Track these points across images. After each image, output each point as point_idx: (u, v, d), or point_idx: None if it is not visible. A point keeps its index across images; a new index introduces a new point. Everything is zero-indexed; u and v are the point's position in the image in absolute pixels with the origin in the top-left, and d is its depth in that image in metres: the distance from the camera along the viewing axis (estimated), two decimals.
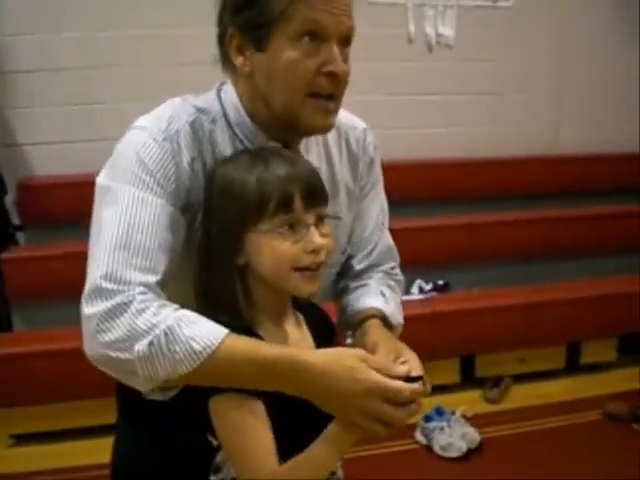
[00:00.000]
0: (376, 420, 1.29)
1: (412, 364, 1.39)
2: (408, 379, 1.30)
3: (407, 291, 4.28)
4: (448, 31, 5.18)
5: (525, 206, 5.08)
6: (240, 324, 1.35)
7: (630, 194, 5.36)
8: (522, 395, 4.11)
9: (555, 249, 4.91)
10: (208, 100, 1.53)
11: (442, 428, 3.55)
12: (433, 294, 4.35)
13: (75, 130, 4.51)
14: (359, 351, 1.34)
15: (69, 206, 3.81)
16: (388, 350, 1.45)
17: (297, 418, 1.33)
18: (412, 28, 5.10)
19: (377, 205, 1.79)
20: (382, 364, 1.32)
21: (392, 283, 1.78)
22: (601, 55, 5.53)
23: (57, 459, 3.46)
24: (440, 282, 4.52)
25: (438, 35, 5.18)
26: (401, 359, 1.40)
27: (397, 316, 1.70)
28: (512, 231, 4.84)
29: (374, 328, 1.59)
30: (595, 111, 5.57)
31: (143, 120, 1.46)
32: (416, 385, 1.31)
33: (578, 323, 4.31)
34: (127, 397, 1.41)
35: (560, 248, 4.92)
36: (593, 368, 4.43)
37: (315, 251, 1.36)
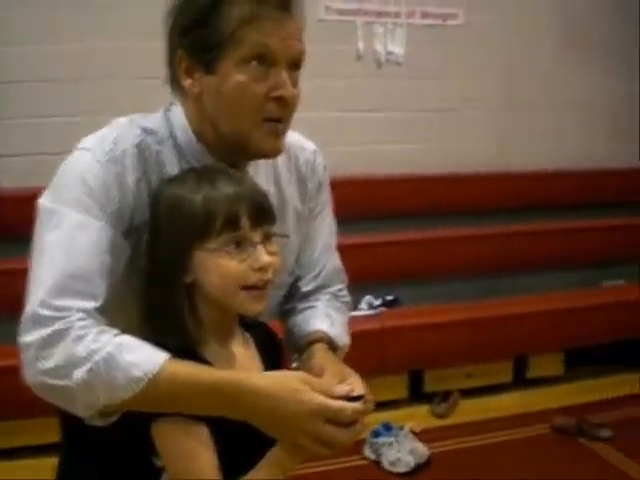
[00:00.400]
0: (319, 441, 1.29)
1: (355, 385, 1.39)
2: (350, 399, 1.31)
3: (356, 307, 4.29)
4: (397, 49, 5.22)
5: (473, 222, 5.13)
6: (185, 345, 1.35)
7: (578, 210, 5.47)
8: (470, 410, 4.13)
9: (503, 265, 4.94)
10: (155, 120, 1.51)
11: (390, 443, 3.56)
12: (382, 310, 4.36)
13: (32, 143, 4.46)
14: (302, 374, 1.35)
15: (19, 220, 3.75)
16: (334, 373, 1.45)
17: (241, 442, 1.33)
18: (361, 45, 5.14)
19: (326, 227, 1.79)
20: (325, 386, 1.33)
21: (339, 305, 1.78)
22: (549, 72, 5.63)
23: (2, 477, 3.41)
24: (389, 298, 4.53)
25: (388, 52, 5.22)
26: (346, 382, 1.41)
27: (343, 338, 1.70)
28: (461, 247, 4.89)
29: (320, 352, 1.59)
30: (543, 128, 5.66)
31: (88, 141, 1.45)
32: (357, 404, 1.32)
33: (525, 338, 4.36)
34: (69, 418, 1.40)
35: (508, 264, 4.96)
36: (540, 382, 4.47)
37: (262, 269, 1.36)
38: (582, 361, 4.61)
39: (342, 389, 1.33)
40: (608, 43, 5.80)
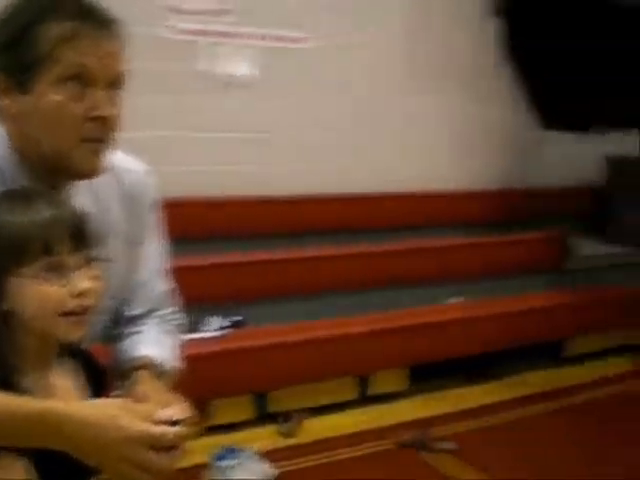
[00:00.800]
0: (141, 468, 1.28)
1: (177, 409, 1.38)
2: (173, 423, 1.30)
3: (201, 328, 4.24)
4: (245, 70, 5.21)
5: (317, 242, 5.16)
6: (2, 375, 1.31)
7: (421, 230, 5.68)
8: (316, 428, 4.14)
9: (346, 284, 4.99)
10: None
11: (234, 466, 3.51)
12: (228, 330, 4.32)
13: None
14: (123, 400, 1.35)
15: None
16: (157, 400, 1.44)
17: (64, 474, 1.30)
18: (209, 65, 5.10)
19: (155, 249, 1.77)
20: (146, 412, 1.32)
21: (169, 328, 1.76)
22: (397, 97, 5.81)
23: None
24: (236, 318, 4.50)
25: (235, 74, 5.20)
26: (170, 407, 1.39)
27: (172, 362, 1.69)
28: (305, 267, 4.91)
29: (144, 378, 1.57)
30: (391, 150, 5.81)
31: None
32: (179, 428, 1.31)
33: (369, 355, 4.43)
34: None
35: (351, 283, 5.01)
36: (385, 398, 4.54)
37: (82, 294, 1.33)
38: (427, 375, 4.71)
39: (163, 414, 1.32)
40: (456, 68, 6.07)
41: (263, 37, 5.25)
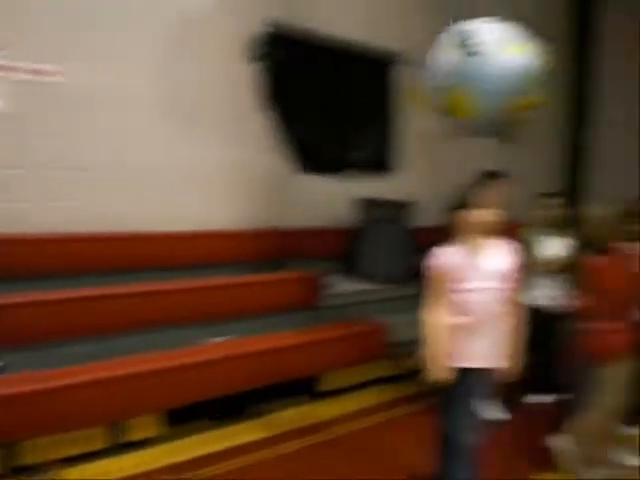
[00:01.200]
0: None
1: None
2: None
3: None
4: None
5: (74, 284, 5.03)
6: None
7: (181, 270, 5.77)
8: (69, 479, 4.06)
9: (98, 328, 4.89)
10: None
11: None
12: None
13: None
14: None
15: None
16: None
17: None
18: None
19: None
20: None
21: None
22: (152, 138, 5.89)
23: None
24: None
25: None
26: None
27: None
28: (70, 309, 4.77)
29: None
30: (153, 191, 5.90)
31: None
32: None
33: (123, 400, 4.38)
34: None
35: (104, 326, 4.92)
36: (142, 444, 4.53)
37: None
38: (184, 418, 4.76)
39: None
40: (211, 111, 6.23)
41: (17, 69, 5.14)
